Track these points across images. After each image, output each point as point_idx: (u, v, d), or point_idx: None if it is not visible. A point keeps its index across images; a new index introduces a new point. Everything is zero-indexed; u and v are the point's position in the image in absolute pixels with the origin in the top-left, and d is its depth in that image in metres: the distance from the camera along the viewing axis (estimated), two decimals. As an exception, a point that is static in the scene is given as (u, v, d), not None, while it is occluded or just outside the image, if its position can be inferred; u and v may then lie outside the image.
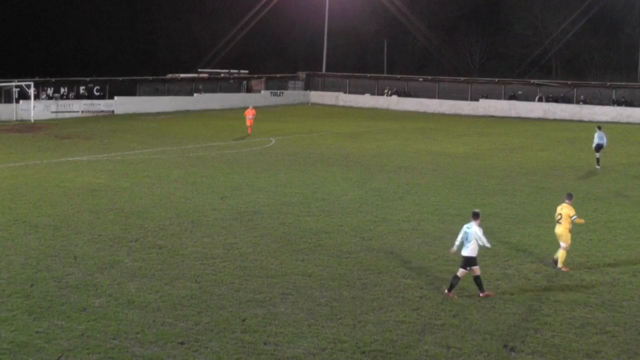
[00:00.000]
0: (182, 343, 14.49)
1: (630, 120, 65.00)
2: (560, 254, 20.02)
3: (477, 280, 17.57)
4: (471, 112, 71.82)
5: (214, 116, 64.28)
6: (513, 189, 31.95)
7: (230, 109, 69.73)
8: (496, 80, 77.61)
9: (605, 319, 16.21)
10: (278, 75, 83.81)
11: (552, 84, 74.92)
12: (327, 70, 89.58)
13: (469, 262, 17.51)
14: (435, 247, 21.91)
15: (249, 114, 50.08)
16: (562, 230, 20.14)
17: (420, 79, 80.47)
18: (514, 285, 18.55)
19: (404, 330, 15.35)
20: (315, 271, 19.34)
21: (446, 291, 17.61)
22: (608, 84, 72.95)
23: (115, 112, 64.67)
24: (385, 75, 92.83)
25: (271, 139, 47.51)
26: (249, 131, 49.64)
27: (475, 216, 17.90)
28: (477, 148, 45.23)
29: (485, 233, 23.64)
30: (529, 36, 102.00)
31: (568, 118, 67.55)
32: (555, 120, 66.86)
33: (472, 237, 17.47)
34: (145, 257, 20.36)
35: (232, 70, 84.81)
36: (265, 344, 14.56)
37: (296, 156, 40.38)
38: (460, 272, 17.61)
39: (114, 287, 17.82)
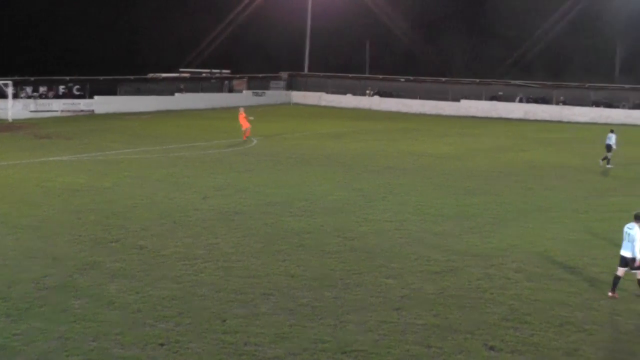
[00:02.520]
0: (162, 344, 14.43)
1: (609, 121, 65.42)
2: None
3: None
4: (453, 113, 72.09)
5: (196, 116, 64.14)
6: (495, 189, 32.08)
7: (212, 109, 69.63)
8: (477, 81, 77.91)
9: (584, 318, 16.31)
10: (260, 75, 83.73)
11: (532, 85, 75.30)
12: (309, 70, 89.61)
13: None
14: (417, 247, 21.96)
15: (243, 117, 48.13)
16: None
17: (402, 80, 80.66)
18: (495, 284, 18.61)
19: (386, 330, 15.37)
20: (297, 271, 19.32)
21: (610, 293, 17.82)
22: (587, 85, 73.40)
23: (96, 112, 64.36)
24: (367, 75, 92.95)
25: (253, 139, 47.45)
26: (249, 134, 47.67)
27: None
28: (459, 148, 45.40)
29: (468, 233, 23.89)
30: (511, 37, 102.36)
31: (548, 119, 67.97)
32: (535, 121, 67.22)
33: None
34: (126, 258, 20.26)
35: (214, 70, 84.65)
36: (246, 344, 14.53)
37: (278, 156, 40.35)
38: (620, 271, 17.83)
39: (94, 288, 17.72)
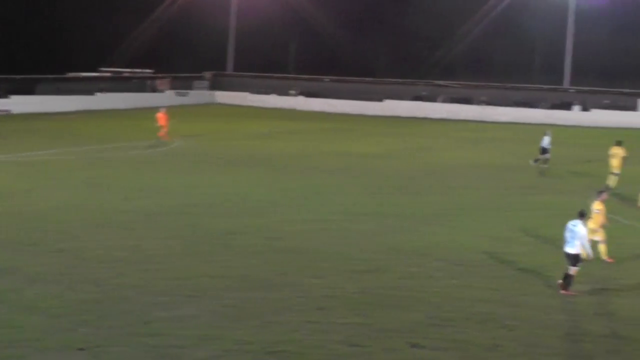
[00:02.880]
0: (82, 349, 14.11)
1: (529, 120, 66.83)
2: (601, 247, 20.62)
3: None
4: (377, 113, 72.60)
5: (117, 116, 63.09)
6: (419, 188, 32.42)
7: (134, 109, 68.61)
8: (401, 81, 78.64)
9: (506, 314, 16.57)
10: (183, 75, 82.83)
11: (454, 85, 76.44)
12: (234, 70, 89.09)
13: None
14: (341, 247, 22.01)
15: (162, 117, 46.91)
16: (594, 225, 20.61)
17: (327, 80, 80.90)
18: (418, 283, 18.77)
19: (310, 330, 15.35)
20: (222, 272, 19.16)
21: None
22: (508, 85, 74.84)
23: (13, 112, 62.60)
24: (292, 75, 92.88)
25: (176, 139, 46.82)
26: (164, 135, 46.11)
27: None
28: (384, 148, 45.72)
29: (392, 232, 24.05)
30: (434, 38, 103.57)
31: (471, 119, 68.99)
32: (458, 120, 68.19)
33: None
34: (46, 262, 19.78)
35: (135, 70, 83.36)
36: (169, 347, 14.33)
37: (202, 157, 40.00)
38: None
39: (12, 293, 17.23)
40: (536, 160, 38.77)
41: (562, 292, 17.93)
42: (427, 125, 62.48)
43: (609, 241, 21.03)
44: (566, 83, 74.99)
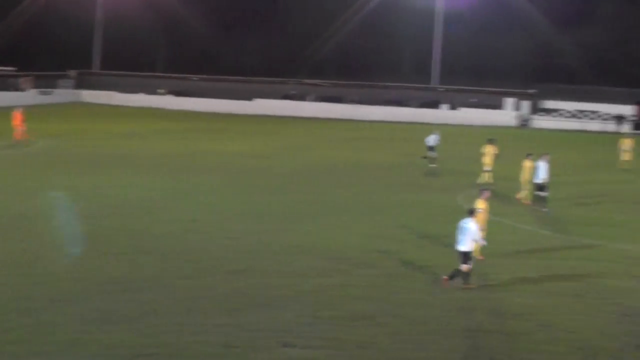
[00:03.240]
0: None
1: (400, 119, 68.22)
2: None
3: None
4: (247, 112, 72.44)
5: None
6: (292, 187, 32.44)
7: (-4, 108, 65.75)
8: (271, 79, 78.75)
9: (377, 311, 16.74)
10: (47, 73, 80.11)
11: (324, 84, 77.16)
12: (100, 68, 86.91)
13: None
14: (212, 247, 21.74)
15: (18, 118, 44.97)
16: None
17: (196, 78, 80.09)
18: (289, 282, 18.73)
19: (180, 332, 15.07)
20: (87, 276, 18.57)
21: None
22: (379, 84, 76.13)
23: None
24: (160, 74, 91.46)
25: (38, 140, 45.08)
26: (21, 135, 44.44)
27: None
28: (258, 147, 45.57)
29: (265, 232, 23.94)
30: (304, 36, 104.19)
31: (341, 117, 69.79)
32: (329, 119, 68.84)
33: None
34: None
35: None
36: (33, 354, 13.75)
37: (68, 157, 38.76)
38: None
39: None
40: (425, 157, 39.52)
41: (464, 286, 18.35)
42: (300, 124, 62.76)
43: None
44: (434, 82, 76.96)
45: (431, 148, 39.53)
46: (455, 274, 18.51)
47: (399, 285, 18.76)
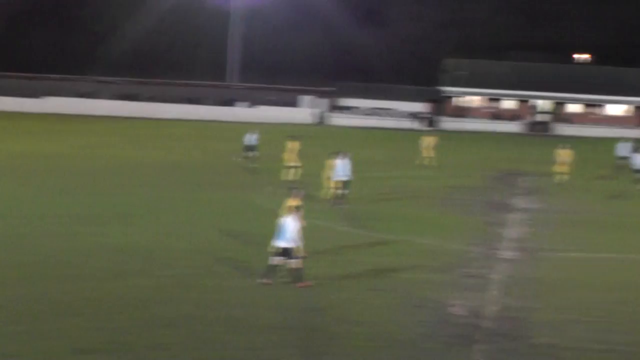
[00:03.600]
0: None
1: (195, 117, 67.75)
2: None
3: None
4: (36, 110, 69.22)
5: None
6: (100, 188, 31.14)
7: None
8: (62, 76, 75.86)
9: (170, 313, 16.24)
10: None
11: (119, 82, 75.33)
12: None
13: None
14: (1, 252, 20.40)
15: None
16: None
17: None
18: (83, 286, 17.89)
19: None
20: None
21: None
22: (174, 82, 75.28)
23: None
24: None
25: None
26: None
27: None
28: (53, 147, 43.63)
29: (56, 234, 22.73)
30: (98, 33, 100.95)
31: (136, 115, 68.36)
32: (126, 118, 67.20)
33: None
34: None
35: None
36: None
37: None
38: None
39: None
40: (245, 158, 39.29)
41: (299, 285, 18.11)
42: (95, 123, 60.79)
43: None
44: (230, 80, 77.10)
45: (251, 147, 39.71)
46: (270, 270, 18.39)
47: (184, 287, 18.20)
